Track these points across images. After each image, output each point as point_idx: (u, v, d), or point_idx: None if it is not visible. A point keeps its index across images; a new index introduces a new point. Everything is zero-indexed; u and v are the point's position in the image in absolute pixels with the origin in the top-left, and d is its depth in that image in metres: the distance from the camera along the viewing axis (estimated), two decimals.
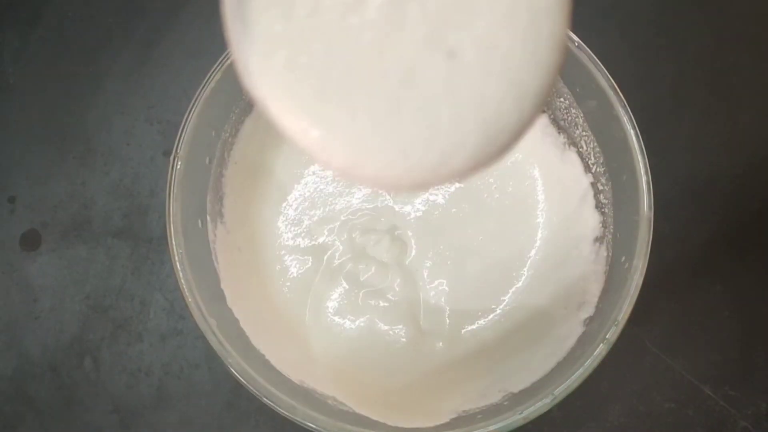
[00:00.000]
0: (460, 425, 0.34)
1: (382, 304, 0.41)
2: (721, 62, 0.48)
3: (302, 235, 0.42)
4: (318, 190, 0.43)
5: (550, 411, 0.32)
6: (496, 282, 0.41)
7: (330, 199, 0.43)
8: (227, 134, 0.40)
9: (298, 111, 0.18)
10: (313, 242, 0.42)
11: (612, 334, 0.33)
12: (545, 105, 0.19)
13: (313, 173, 0.43)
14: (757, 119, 0.47)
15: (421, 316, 0.41)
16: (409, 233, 0.42)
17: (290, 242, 0.42)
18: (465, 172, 0.19)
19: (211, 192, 0.39)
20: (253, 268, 0.41)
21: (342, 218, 0.43)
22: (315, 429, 0.32)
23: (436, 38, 0.18)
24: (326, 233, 0.42)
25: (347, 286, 0.41)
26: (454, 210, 0.43)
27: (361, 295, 0.41)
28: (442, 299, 0.41)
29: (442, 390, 0.39)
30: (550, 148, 0.42)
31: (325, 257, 0.42)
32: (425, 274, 0.42)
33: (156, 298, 0.44)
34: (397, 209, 0.43)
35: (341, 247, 0.42)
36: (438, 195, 0.43)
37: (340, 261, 0.42)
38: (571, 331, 0.36)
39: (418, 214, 0.43)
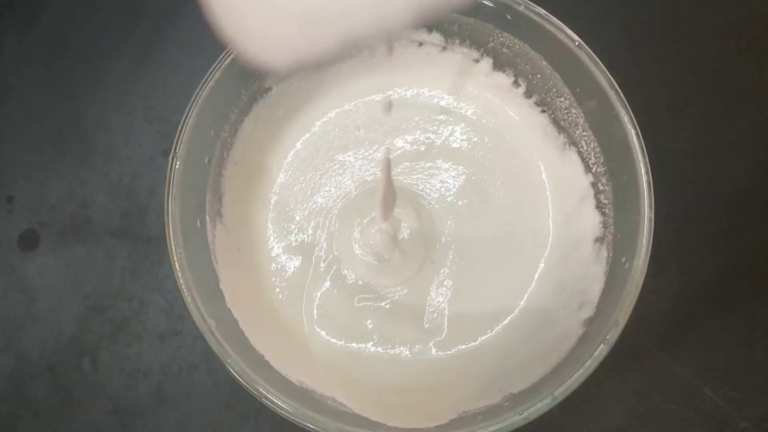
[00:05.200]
0: (460, 426, 0.34)
1: (381, 304, 0.41)
2: (721, 62, 0.48)
3: (294, 232, 0.42)
4: (313, 184, 0.43)
5: (550, 412, 0.32)
6: (497, 283, 0.41)
7: (323, 188, 0.42)
8: (226, 134, 0.40)
9: None
10: (303, 240, 0.42)
11: (612, 334, 0.32)
12: None
13: (313, 171, 0.43)
14: (758, 120, 0.47)
15: (425, 317, 0.41)
16: (407, 229, 0.42)
17: (284, 241, 0.42)
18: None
19: (210, 192, 0.39)
20: (252, 269, 0.41)
21: (328, 207, 0.42)
22: (314, 429, 0.32)
23: None
24: (311, 230, 0.42)
25: (336, 288, 0.41)
26: (461, 203, 0.42)
27: (356, 298, 0.41)
28: (443, 299, 0.41)
29: (441, 390, 0.39)
30: (551, 149, 0.42)
31: (314, 256, 0.42)
32: (424, 274, 0.41)
33: (155, 299, 0.44)
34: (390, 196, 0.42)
35: (325, 245, 0.42)
36: (448, 181, 0.43)
37: (326, 260, 0.42)
38: (572, 332, 0.36)
39: (418, 208, 0.42)
